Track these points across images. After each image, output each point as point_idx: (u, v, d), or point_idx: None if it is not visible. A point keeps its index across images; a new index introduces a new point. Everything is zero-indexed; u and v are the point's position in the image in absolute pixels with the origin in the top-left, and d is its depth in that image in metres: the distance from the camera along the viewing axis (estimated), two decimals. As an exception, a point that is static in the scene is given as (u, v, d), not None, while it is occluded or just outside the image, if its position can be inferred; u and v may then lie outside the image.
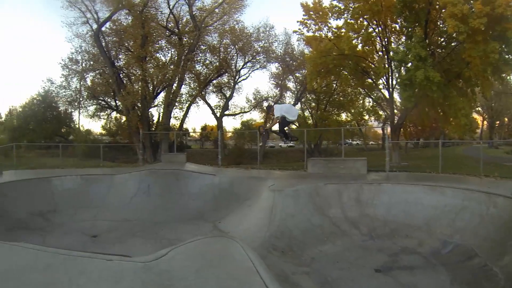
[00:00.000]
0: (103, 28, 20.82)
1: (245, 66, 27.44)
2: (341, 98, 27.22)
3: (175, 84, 21.28)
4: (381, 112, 24.37)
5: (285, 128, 8.22)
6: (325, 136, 27.85)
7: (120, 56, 22.99)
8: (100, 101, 26.72)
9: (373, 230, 6.90)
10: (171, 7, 20.88)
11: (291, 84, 29.75)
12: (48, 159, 19.56)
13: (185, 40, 21.78)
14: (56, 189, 10.11)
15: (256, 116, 44.11)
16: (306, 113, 29.28)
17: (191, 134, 40.29)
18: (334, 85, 25.72)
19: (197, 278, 2.85)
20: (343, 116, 28.67)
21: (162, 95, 23.77)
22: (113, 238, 7.74)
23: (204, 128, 46.70)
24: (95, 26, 20.31)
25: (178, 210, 9.59)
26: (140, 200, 10.33)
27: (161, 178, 11.06)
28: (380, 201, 7.63)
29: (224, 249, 3.60)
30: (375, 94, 24.06)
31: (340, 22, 19.18)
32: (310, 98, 28.73)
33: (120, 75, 21.61)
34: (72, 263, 3.25)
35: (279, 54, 27.10)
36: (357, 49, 18.90)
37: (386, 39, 18.98)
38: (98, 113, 27.74)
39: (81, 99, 27.12)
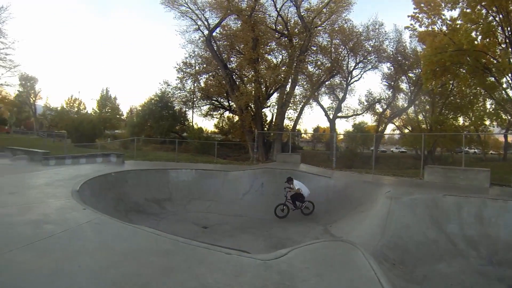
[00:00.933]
0: (214, 34, 22.19)
1: (356, 67, 26.44)
2: (458, 100, 24.23)
3: (288, 85, 21.45)
4: (504, 116, 20.29)
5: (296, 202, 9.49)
6: (440, 142, 25.14)
7: (232, 59, 24.19)
8: (213, 101, 28.73)
9: (494, 254, 5.96)
10: (278, 9, 21.25)
11: (404, 85, 27.66)
12: (163, 153, 21.51)
13: (296, 41, 21.79)
14: (172, 180, 11.02)
15: (368, 119, 41.17)
16: (420, 117, 27.05)
17: (303, 135, 40.44)
18: (451, 85, 22.97)
19: (319, 281, 2.74)
20: (461, 120, 25.39)
21: (275, 96, 24.35)
22: (223, 231, 8.05)
23: (316, 129, 46.43)
24: (206, 32, 21.83)
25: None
26: (252, 197, 10.63)
27: (275, 177, 11.16)
28: (505, 221, 6.51)
29: (345, 254, 3.46)
30: (497, 95, 20.10)
31: (455, 13, 17.28)
32: (424, 100, 26.51)
33: (233, 76, 22.65)
34: (192, 252, 3.39)
35: (391, 53, 25.48)
36: (476, 42, 16.23)
37: (509, 29, 15.59)
38: (211, 112, 30.08)
39: (195, 99, 29.80)
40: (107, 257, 3.10)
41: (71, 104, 47.18)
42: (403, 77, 26.72)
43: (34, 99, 50.51)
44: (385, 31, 24.69)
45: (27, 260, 2.92)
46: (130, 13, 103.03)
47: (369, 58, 25.45)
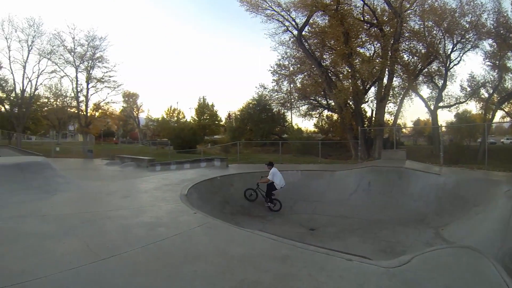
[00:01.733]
0: (303, 33, 21.81)
1: (454, 48, 23.23)
2: None
3: (385, 78, 20.36)
4: None
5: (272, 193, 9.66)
6: None
7: (325, 56, 23.63)
8: (311, 100, 28.48)
9: None
10: (363, -2, 19.96)
11: (511, 63, 23.16)
12: (264, 155, 21.93)
13: (387, 29, 20.34)
14: None
15: (473, 107, 35.32)
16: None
17: (403, 130, 37.37)
18: None
19: None
20: None
21: (373, 90, 23.21)
22: (331, 233, 7.81)
23: (416, 123, 42.05)
24: (295, 32, 21.64)
25: (398, 210, 8.98)
26: (359, 197, 10.15)
27: (383, 176, 10.53)
28: None
29: (473, 264, 3.06)
30: None
31: None
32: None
33: (329, 74, 22.15)
34: (310, 258, 3.21)
35: (491, 27, 21.54)
36: None
37: None
38: (310, 112, 29.91)
39: (292, 100, 30.13)
40: (222, 262, 3.06)
41: (171, 114, 51.93)
42: (508, 54, 22.37)
43: (137, 112, 58.11)
44: (481, 2, 21.03)
45: (144, 261, 3.08)
46: (221, 24, 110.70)
47: (467, 37, 22.16)
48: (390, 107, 23.70)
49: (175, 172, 12.21)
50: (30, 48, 28.71)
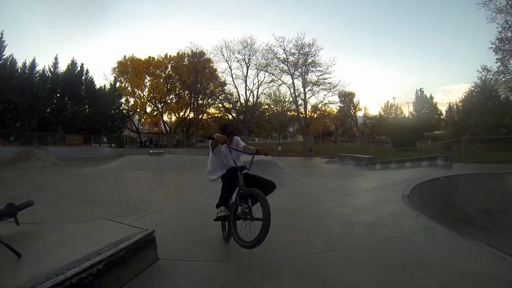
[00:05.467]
0: None
1: None
2: None
3: None
4: None
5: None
6: None
7: None
8: None
9: None
10: None
11: None
12: (491, 153, 18.08)
13: None
14: (510, 188, 8.86)
15: None
16: None
17: None
18: None
19: None
20: None
21: None
22: None
23: None
24: None
25: None
26: None
27: None
28: None
29: None
30: None
31: None
32: None
33: None
34: None
35: None
36: None
37: None
38: None
39: None
40: (441, 275, 2.73)
41: (388, 110, 50.40)
42: None
43: (354, 111, 58.73)
44: None
45: (361, 260, 3.06)
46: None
47: None
48: None
49: (395, 171, 12.05)
50: (248, 64, 35.30)
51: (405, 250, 3.37)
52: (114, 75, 39.76)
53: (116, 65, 40.41)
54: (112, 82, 37.68)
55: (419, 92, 41.42)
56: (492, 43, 22.66)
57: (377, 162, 13.38)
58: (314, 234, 3.91)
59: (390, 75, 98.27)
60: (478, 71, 25.68)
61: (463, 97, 31.72)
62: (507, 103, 25.97)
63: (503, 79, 23.97)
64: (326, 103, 35.68)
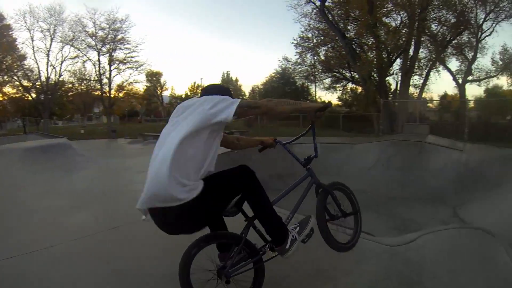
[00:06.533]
0: (326, 3, 20.81)
1: (487, 18, 21.54)
2: None
3: (411, 49, 19.41)
4: None
5: None
6: None
7: (349, 27, 22.89)
8: (335, 73, 27.80)
9: None
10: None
11: None
12: (286, 128, 21.88)
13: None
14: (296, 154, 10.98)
15: (504, 82, 33.39)
16: None
17: (428, 104, 36.15)
18: None
19: (451, 280, 2.32)
20: None
21: (398, 62, 22.30)
22: None
23: (443, 97, 39.92)
24: (318, 2, 20.69)
25: (416, 187, 8.71)
26: (377, 172, 9.82)
27: (403, 150, 10.18)
28: None
29: (483, 248, 2.80)
30: None
31: None
32: None
33: (353, 45, 21.54)
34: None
35: None
36: None
37: None
38: (334, 85, 29.28)
39: (316, 73, 29.37)
40: None
41: (195, 91, 52.21)
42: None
43: (160, 91, 57.81)
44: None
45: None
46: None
47: (501, 5, 20.20)
48: (416, 79, 22.96)
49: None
50: (52, 36, 29.18)
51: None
52: None
53: None
54: None
55: (225, 75, 45.75)
56: (294, 40, 27.50)
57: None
58: (102, 214, 4.02)
59: (199, 58, 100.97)
60: (279, 60, 31.96)
61: (265, 81, 36.54)
62: (302, 88, 32.34)
63: (300, 69, 29.69)
64: (131, 82, 33.75)
